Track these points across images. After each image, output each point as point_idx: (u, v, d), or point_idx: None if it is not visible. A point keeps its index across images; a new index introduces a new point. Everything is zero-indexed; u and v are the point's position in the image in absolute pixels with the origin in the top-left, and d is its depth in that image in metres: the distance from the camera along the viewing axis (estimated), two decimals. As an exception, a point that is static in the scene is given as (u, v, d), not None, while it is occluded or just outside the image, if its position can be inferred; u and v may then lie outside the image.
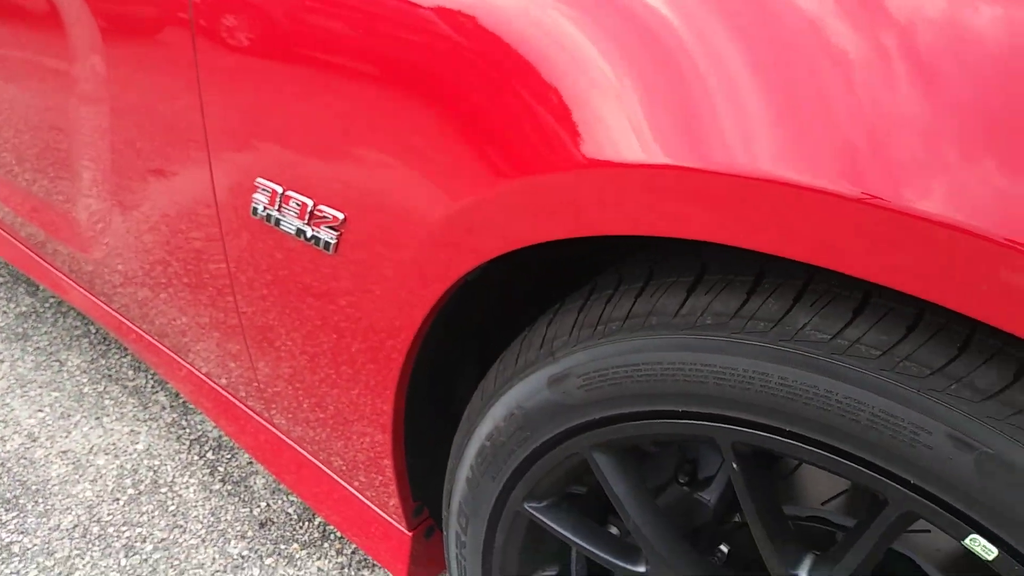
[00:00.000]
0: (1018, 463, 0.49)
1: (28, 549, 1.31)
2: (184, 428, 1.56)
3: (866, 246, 0.47)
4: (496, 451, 0.77)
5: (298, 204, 0.83)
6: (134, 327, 1.37)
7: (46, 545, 1.32)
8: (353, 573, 1.29)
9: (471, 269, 0.70)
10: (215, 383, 1.23)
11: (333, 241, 0.81)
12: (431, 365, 0.87)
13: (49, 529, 1.35)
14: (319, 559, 1.31)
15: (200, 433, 1.55)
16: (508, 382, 0.74)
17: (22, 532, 1.34)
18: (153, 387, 1.66)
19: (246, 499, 1.42)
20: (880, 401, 0.53)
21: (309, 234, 0.83)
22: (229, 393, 1.21)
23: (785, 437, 0.58)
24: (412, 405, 0.90)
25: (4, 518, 1.36)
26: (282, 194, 0.84)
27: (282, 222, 0.85)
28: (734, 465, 0.62)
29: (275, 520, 1.38)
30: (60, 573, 1.27)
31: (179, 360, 1.28)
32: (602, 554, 0.76)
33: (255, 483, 1.45)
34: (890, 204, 0.45)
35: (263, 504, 1.41)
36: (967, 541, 0.53)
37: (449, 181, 0.67)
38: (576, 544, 0.77)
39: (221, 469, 1.48)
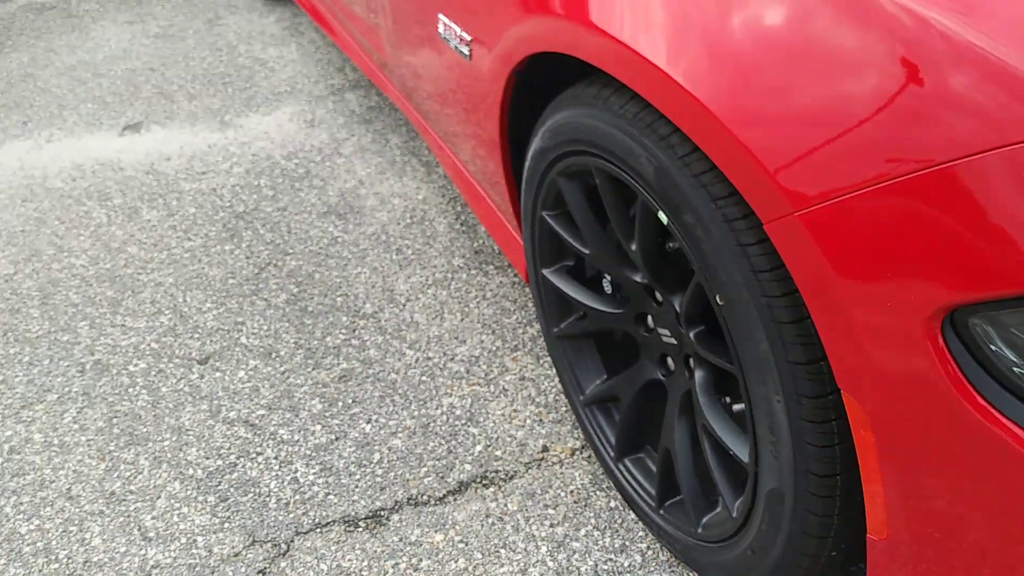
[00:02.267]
0: (663, 169, 1.00)
1: (345, 241, 2.19)
2: (450, 190, 2.34)
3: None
4: (530, 176, 1.38)
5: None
6: (413, 111, 2.13)
7: (355, 240, 2.19)
8: (520, 287, 1.98)
9: (516, 64, 1.29)
10: (465, 169, 1.92)
11: (467, 51, 1.44)
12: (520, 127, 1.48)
13: (360, 232, 2.21)
14: (502, 276, 2.02)
15: (457, 194, 2.32)
16: (532, 140, 1.34)
17: (344, 232, 2.23)
18: (437, 164, 2.46)
19: (471, 236, 2.16)
20: (626, 141, 1.06)
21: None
22: (469, 175, 1.89)
23: (607, 161, 1.13)
24: (515, 160, 1.53)
25: (337, 223, 2.26)
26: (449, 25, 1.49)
27: (450, 41, 1.50)
28: (597, 181, 1.17)
29: (484, 250, 2.11)
30: (355, 255, 2.13)
31: (444, 147, 2.00)
32: (574, 242, 1.34)
33: (481, 229, 2.18)
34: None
35: (480, 240, 2.14)
36: (659, 215, 1.05)
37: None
38: (561, 236, 1.36)
39: (463, 218, 2.23)
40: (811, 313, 0.86)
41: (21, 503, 1.63)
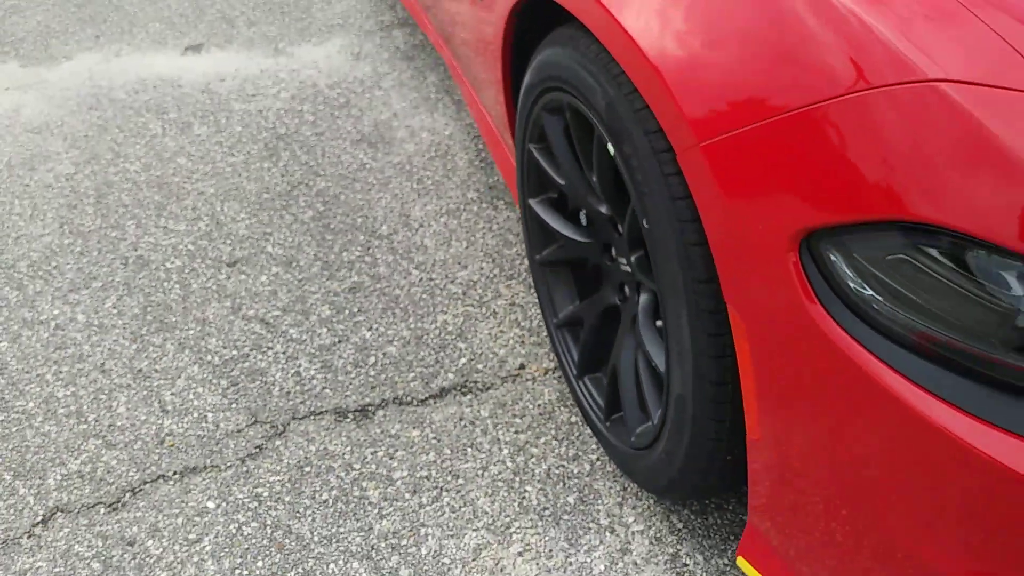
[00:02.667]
0: (612, 104, 1.12)
1: (372, 168, 2.35)
2: (475, 129, 2.47)
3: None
4: (521, 110, 1.51)
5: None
6: (448, 54, 2.26)
7: (381, 168, 2.34)
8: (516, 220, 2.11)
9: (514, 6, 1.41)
10: (485, 111, 2.04)
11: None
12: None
13: (387, 161, 2.37)
14: (510, 212, 2.16)
15: (478, 135, 2.45)
16: (528, 72, 1.46)
17: (373, 159, 2.38)
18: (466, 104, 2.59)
19: (488, 172, 2.30)
20: (587, 78, 1.18)
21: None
22: (488, 116, 2.02)
23: (574, 96, 1.25)
24: (516, 91, 1.65)
25: (368, 151, 2.41)
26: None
27: None
28: (567, 115, 1.30)
29: (497, 187, 2.25)
30: (379, 181, 2.29)
31: (471, 90, 2.12)
32: (553, 174, 1.47)
33: (497, 168, 2.32)
34: None
35: (495, 177, 2.28)
36: (609, 147, 1.17)
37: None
38: (543, 167, 1.49)
39: (483, 156, 2.37)
40: (707, 234, 0.98)
41: (60, 372, 1.85)
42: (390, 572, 1.44)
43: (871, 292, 0.83)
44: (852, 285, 0.84)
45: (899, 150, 0.76)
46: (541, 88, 1.37)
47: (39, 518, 1.57)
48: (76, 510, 1.58)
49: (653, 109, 1.01)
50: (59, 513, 1.58)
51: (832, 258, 0.85)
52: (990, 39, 0.74)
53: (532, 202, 1.60)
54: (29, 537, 1.55)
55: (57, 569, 1.49)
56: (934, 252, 0.78)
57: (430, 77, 2.73)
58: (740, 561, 1.17)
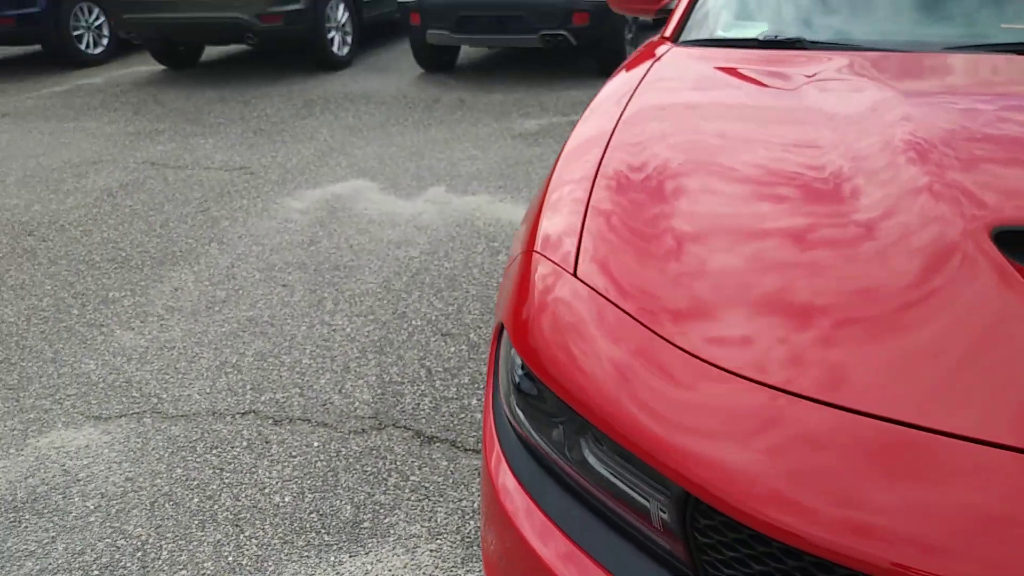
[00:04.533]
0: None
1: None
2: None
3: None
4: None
5: None
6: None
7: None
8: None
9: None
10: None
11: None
12: None
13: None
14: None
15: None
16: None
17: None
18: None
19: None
20: None
21: None
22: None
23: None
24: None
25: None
26: None
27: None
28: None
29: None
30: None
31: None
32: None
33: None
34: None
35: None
36: None
37: None
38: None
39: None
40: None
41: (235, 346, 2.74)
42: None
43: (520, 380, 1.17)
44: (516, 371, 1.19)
45: (510, 287, 1.28)
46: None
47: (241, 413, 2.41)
48: (229, 413, 2.41)
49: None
50: (212, 415, 2.42)
51: (511, 350, 1.21)
52: (574, 236, 1.24)
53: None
54: (214, 415, 2.38)
55: (208, 439, 2.30)
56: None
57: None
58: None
